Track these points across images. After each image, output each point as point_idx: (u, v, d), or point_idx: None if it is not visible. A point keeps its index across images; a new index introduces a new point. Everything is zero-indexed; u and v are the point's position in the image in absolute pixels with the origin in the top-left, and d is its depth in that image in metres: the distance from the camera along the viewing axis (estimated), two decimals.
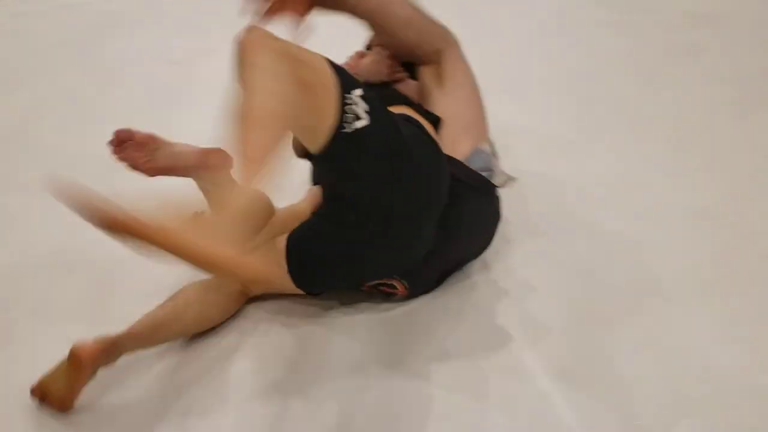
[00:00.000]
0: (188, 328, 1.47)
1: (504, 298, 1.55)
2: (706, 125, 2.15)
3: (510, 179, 1.85)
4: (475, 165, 1.62)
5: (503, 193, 1.68)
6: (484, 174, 1.62)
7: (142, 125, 1.57)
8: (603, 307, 1.52)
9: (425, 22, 1.78)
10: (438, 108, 1.73)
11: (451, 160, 1.53)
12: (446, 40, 1.79)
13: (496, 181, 1.69)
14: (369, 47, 1.87)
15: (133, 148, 1.53)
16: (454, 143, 1.64)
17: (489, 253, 1.64)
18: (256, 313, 1.57)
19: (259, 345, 1.49)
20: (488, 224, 1.63)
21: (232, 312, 1.53)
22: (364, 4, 1.71)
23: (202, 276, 1.47)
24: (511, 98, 2.27)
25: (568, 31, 2.89)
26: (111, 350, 1.33)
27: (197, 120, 1.80)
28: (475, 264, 1.63)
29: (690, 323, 1.47)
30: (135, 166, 1.54)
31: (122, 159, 1.53)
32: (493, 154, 1.77)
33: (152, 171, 1.54)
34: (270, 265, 1.46)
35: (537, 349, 1.42)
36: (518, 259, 1.66)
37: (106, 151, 1.54)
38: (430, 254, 1.46)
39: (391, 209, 1.36)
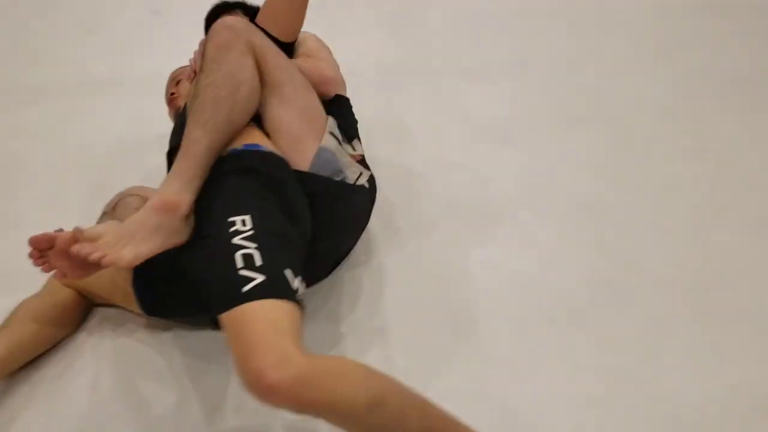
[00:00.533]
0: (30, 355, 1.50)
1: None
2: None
3: (363, 174, 1.64)
4: (323, 170, 1.53)
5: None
6: (335, 178, 1.54)
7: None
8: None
9: None
10: (270, 115, 1.54)
11: (299, 175, 1.48)
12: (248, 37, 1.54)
13: (351, 178, 1.58)
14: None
15: (56, 257, 1.26)
16: (296, 152, 1.52)
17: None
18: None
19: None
20: (360, 217, 1.69)
21: (72, 326, 1.59)
22: None
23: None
24: None
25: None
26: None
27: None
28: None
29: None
30: (70, 275, 1.29)
31: (48, 270, 1.28)
32: (339, 142, 1.62)
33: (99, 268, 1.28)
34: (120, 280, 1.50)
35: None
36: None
37: None
38: (313, 254, 1.45)
39: None
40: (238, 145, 1.44)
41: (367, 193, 1.64)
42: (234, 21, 1.49)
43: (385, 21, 3.00)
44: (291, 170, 1.45)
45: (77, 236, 1.24)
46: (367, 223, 1.75)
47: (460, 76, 2.58)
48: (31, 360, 1.52)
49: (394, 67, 2.66)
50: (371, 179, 1.67)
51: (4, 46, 2.96)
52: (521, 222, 1.87)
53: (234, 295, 1.14)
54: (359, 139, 1.80)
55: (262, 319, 1.10)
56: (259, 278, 1.16)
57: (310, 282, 1.51)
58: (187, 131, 1.40)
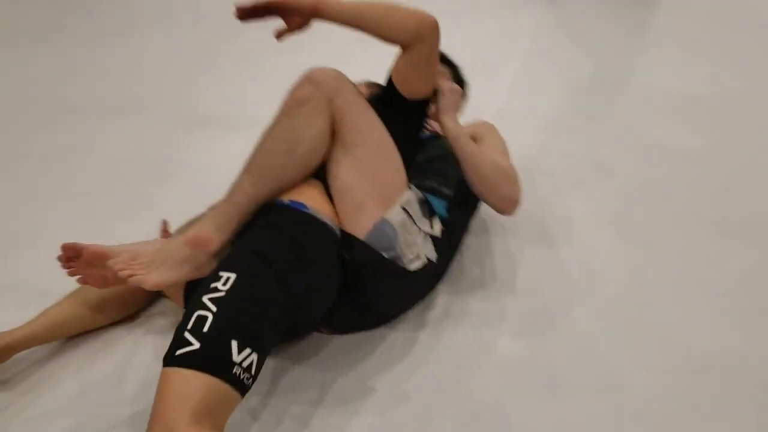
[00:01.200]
0: (74, 331, 1.62)
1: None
2: None
3: (421, 257, 1.57)
4: (379, 242, 1.48)
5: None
6: (386, 254, 1.48)
7: None
8: None
9: None
10: (336, 176, 1.52)
11: (349, 240, 1.47)
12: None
13: (405, 259, 1.52)
14: None
15: (82, 266, 1.38)
16: (355, 217, 1.49)
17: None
18: None
19: None
20: (408, 294, 1.65)
21: (122, 314, 1.67)
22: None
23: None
24: None
25: None
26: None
27: None
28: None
29: None
30: (92, 284, 1.40)
31: (73, 275, 1.40)
32: (412, 218, 1.55)
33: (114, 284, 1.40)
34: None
35: None
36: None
37: None
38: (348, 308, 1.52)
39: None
40: (286, 198, 1.46)
41: (417, 277, 1.57)
42: (323, 74, 1.48)
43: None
44: (329, 235, 1.44)
45: (108, 254, 1.34)
46: (423, 296, 1.72)
47: None
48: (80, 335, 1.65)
49: None
50: (430, 264, 1.59)
51: None
52: None
53: (169, 354, 1.19)
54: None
55: (173, 387, 1.15)
56: (195, 346, 1.18)
57: (343, 330, 1.61)
58: (238, 175, 1.45)
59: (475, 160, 1.67)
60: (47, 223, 2.12)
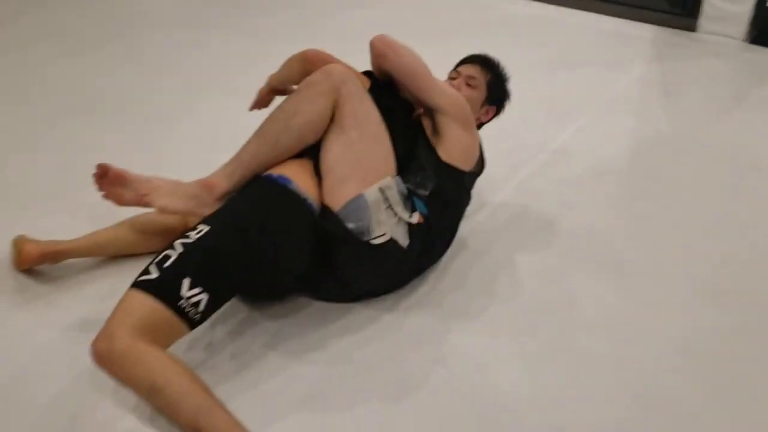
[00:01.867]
0: (120, 252, 1.97)
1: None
2: None
3: (395, 232, 1.76)
4: (351, 216, 1.70)
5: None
6: (354, 226, 1.70)
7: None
8: None
9: None
10: (327, 151, 1.77)
11: (324, 211, 1.73)
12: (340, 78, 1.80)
13: (371, 234, 1.71)
14: None
15: (108, 183, 1.73)
16: (335, 191, 1.72)
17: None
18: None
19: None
20: (375, 271, 1.82)
21: (158, 246, 1.84)
22: None
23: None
24: None
25: None
26: (52, 256, 1.89)
27: None
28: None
29: None
30: (113, 200, 1.76)
31: (100, 190, 1.76)
32: (388, 201, 1.73)
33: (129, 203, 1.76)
34: None
35: None
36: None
37: None
38: (327, 282, 1.83)
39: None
40: (276, 172, 1.76)
41: (382, 255, 1.75)
42: (335, 68, 1.81)
43: None
44: (305, 210, 1.71)
45: (128, 177, 1.73)
46: (396, 279, 1.93)
47: None
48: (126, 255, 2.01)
49: None
50: (397, 247, 1.76)
51: None
52: None
53: (136, 278, 1.53)
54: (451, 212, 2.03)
55: (127, 304, 1.49)
56: (152, 275, 1.51)
57: (326, 299, 1.88)
58: (249, 137, 1.81)
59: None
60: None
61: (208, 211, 1.69)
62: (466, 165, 2.01)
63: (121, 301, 1.49)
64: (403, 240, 1.78)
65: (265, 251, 1.61)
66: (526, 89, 2.57)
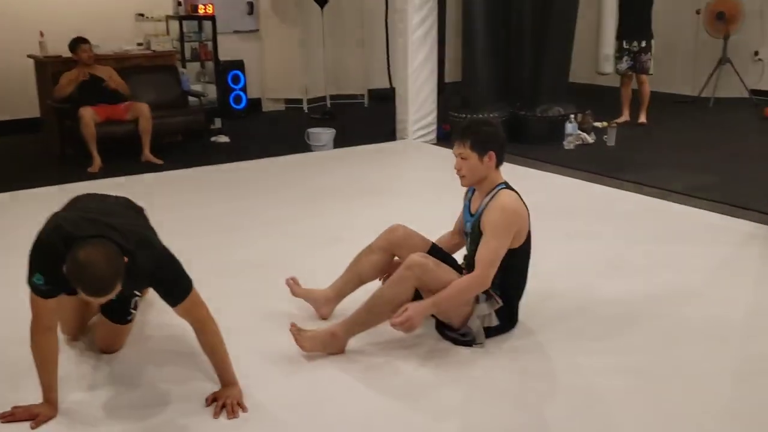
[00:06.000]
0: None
1: None
2: None
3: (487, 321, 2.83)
4: (465, 333, 2.86)
5: None
6: (468, 337, 2.86)
7: None
8: None
9: None
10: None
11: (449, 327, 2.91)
12: None
13: (479, 337, 2.81)
14: None
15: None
16: (451, 321, 2.84)
17: None
18: None
19: None
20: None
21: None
22: None
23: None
24: None
25: None
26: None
27: None
28: None
29: None
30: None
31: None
32: (479, 317, 2.79)
33: None
34: None
35: None
36: None
37: None
38: None
39: None
40: None
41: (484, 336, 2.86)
42: (414, 263, 2.69)
43: None
44: None
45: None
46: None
47: None
48: None
49: None
50: (490, 329, 2.86)
51: None
52: None
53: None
54: None
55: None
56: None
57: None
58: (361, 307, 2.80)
59: (447, 304, 2.73)
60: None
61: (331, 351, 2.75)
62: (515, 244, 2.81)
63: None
64: (495, 321, 2.81)
65: None
66: None
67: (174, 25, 7.56)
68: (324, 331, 2.75)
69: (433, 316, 2.83)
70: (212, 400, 2.43)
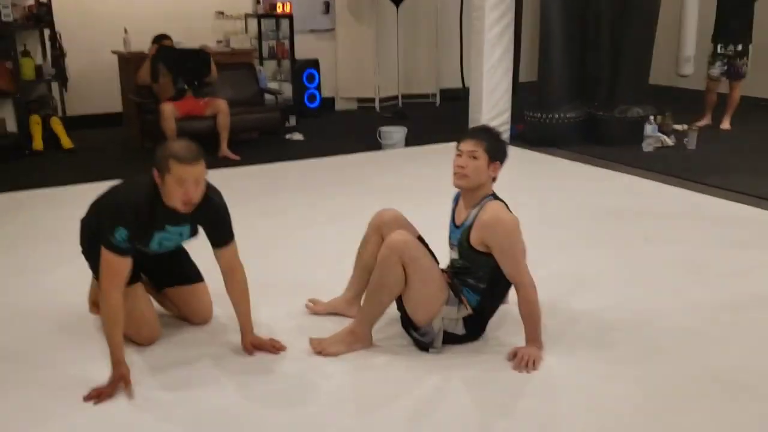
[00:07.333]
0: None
1: None
2: None
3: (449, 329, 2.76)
4: (424, 333, 2.78)
5: None
6: (427, 338, 2.77)
7: None
8: None
9: None
10: (407, 293, 2.73)
11: (413, 324, 2.82)
12: None
13: (436, 342, 2.76)
14: None
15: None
16: (414, 317, 2.77)
17: None
18: None
19: None
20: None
21: None
22: None
23: None
24: None
25: None
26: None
27: None
28: None
29: None
30: None
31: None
32: (442, 319, 2.72)
33: None
34: None
35: None
36: None
37: None
38: None
39: None
40: None
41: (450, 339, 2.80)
42: (394, 242, 2.62)
43: None
44: None
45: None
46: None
47: None
48: None
49: None
50: (450, 335, 2.77)
51: None
52: None
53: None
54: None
55: None
56: None
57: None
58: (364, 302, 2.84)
59: (538, 327, 2.69)
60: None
61: (357, 348, 2.79)
62: None
63: None
64: (461, 330, 2.76)
65: None
66: None
67: (252, 23, 7.71)
68: (343, 333, 2.80)
69: (400, 310, 2.77)
70: (256, 345, 2.77)
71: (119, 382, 2.48)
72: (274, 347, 2.77)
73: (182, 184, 2.48)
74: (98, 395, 2.45)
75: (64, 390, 2.51)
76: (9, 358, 2.76)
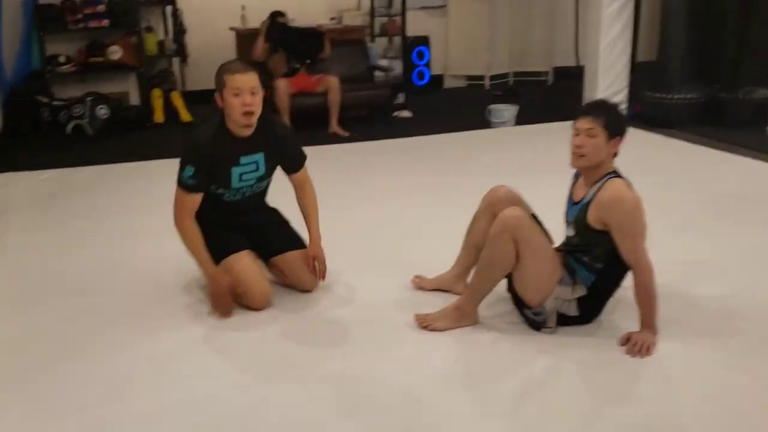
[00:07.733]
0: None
1: None
2: None
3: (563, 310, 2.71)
4: (537, 312, 2.74)
5: None
6: (540, 317, 2.72)
7: None
8: None
9: None
10: (519, 271, 2.68)
11: (526, 304, 2.76)
12: None
13: (549, 321, 2.71)
14: None
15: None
16: (526, 297, 2.72)
17: None
18: None
19: None
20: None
21: None
22: None
23: None
24: None
25: None
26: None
27: None
28: None
29: None
30: None
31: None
32: (556, 299, 2.68)
33: None
34: None
35: None
36: None
37: None
38: None
39: None
40: None
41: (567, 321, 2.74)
42: (507, 219, 2.58)
43: None
44: None
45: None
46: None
47: None
48: None
49: None
50: (562, 316, 2.71)
51: None
52: None
53: None
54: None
55: None
56: None
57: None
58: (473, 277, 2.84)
59: (655, 310, 2.59)
60: None
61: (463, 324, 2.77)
62: None
63: None
64: (574, 311, 2.69)
65: None
66: None
67: (365, 0, 7.74)
68: (450, 308, 2.78)
69: (510, 291, 2.75)
70: (316, 257, 3.01)
71: (224, 290, 2.81)
72: (321, 272, 3.01)
73: (239, 94, 2.69)
74: (220, 311, 2.83)
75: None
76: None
